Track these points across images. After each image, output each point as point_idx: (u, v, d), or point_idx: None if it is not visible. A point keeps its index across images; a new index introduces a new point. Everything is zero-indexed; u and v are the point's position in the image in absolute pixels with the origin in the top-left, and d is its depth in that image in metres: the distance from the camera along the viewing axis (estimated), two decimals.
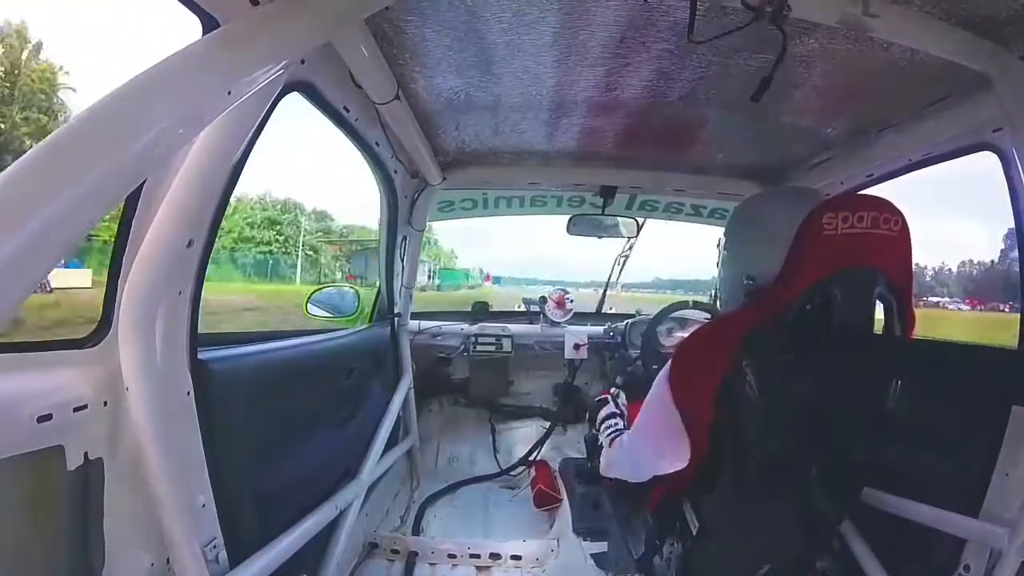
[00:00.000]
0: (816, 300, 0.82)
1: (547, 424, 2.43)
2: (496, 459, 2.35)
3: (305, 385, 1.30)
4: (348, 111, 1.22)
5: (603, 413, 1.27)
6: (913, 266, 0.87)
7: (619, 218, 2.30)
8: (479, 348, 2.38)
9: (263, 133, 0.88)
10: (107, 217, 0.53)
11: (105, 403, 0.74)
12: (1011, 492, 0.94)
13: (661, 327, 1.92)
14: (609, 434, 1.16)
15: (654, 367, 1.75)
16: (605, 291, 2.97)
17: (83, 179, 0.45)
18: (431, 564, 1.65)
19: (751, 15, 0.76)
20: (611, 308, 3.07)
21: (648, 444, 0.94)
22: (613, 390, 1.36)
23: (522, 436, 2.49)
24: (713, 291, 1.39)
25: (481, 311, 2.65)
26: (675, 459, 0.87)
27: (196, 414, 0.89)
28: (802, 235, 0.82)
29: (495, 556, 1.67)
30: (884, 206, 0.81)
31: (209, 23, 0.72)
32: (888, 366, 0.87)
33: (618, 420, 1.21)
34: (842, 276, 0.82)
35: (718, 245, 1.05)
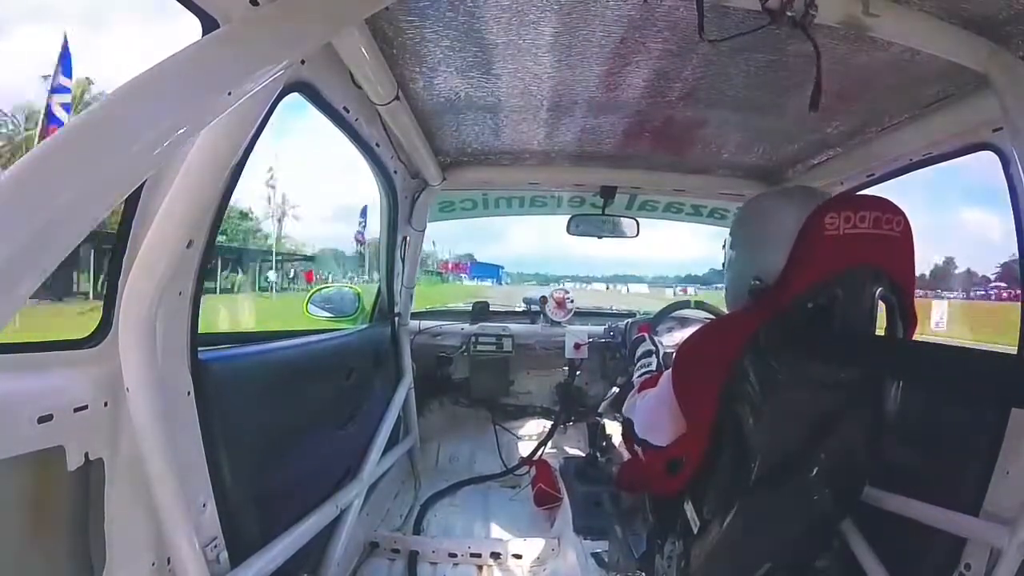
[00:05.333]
0: (818, 300, 0.82)
1: (548, 423, 2.43)
2: (501, 458, 2.36)
3: (305, 385, 1.30)
4: (348, 111, 1.22)
5: (641, 350, 1.33)
6: (915, 266, 0.87)
7: (620, 218, 2.30)
8: (479, 348, 2.38)
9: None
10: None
11: (105, 403, 0.74)
12: (1012, 491, 0.94)
13: (661, 327, 1.92)
14: (641, 374, 1.26)
15: None
16: None
17: (83, 179, 0.45)
18: (432, 563, 1.65)
19: (766, 18, 0.76)
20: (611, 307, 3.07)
21: (648, 415, 1.02)
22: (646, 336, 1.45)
23: (523, 436, 2.49)
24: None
25: (481, 311, 2.65)
26: (660, 438, 0.96)
27: (196, 414, 0.89)
28: (804, 235, 0.82)
29: (496, 555, 1.67)
30: (886, 206, 0.81)
31: (209, 23, 0.73)
32: (889, 367, 0.87)
33: (653, 359, 1.30)
34: (844, 276, 0.82)
35: (724, 245, 1.05)
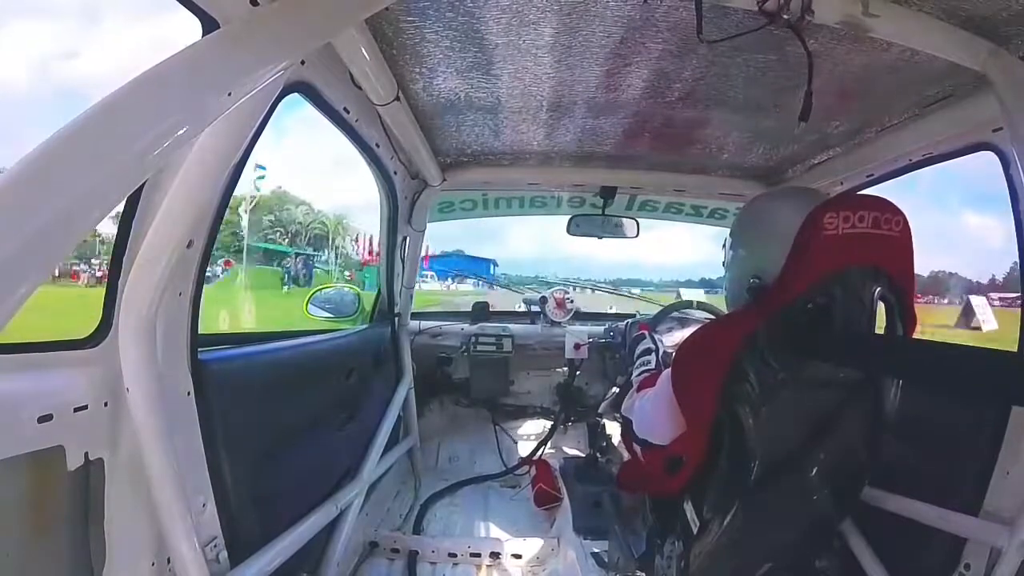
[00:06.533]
0: (817, 300, 0.82)
1: (548, 423, 2.44)
2: (501, 458, 2.36)
3: (306, 385, 1.30)
4: (348, 112, 1.22)
5: (640, 348, 1.34)
6: (915, 266, 0.87)
7: (620, 218, 2.30)
8: (479, 348, 2.38)
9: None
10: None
11: (106, 403, 0.74)
12: (1011, 491, 0.94)
13: (661, 327, 1.92)
14: (640, 372, 1.26)
15: None
16: None
17: (83, 179, 0.45)
18: (432, 563, 1.66)
19: (764, 19, 0.76)
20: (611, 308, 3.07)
21: (647, 415, 1.03)
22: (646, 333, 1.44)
23: (523, 436, 2.49)
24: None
25: (481, 311, 2.65)
26: (660, 437, 0.96)
27: (197, 414, 0.89)
28: (802, 234, 0.82)
29: (495, 555, 1.67)
30: (885, 206, 0.81)
31: (209, 23, 0.73)
32: (888, 367, 0.87)
33: (652, 356, 1.30)
34: (843, 276, 0.82)
35: (724, 245, 1.05)
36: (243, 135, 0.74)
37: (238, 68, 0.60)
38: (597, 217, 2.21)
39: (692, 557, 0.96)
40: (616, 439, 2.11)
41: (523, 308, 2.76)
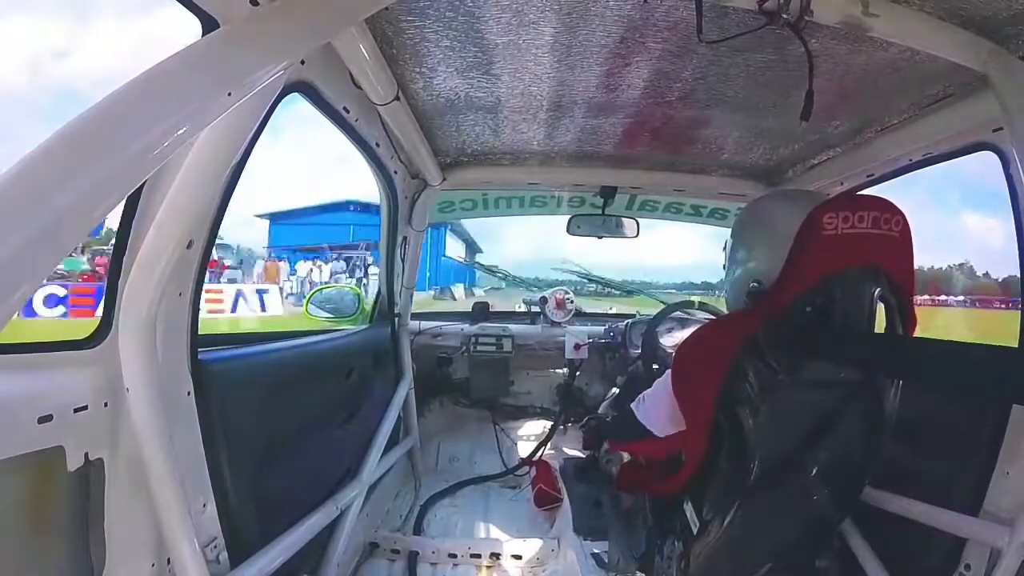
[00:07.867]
0: (817, 300, 0.82)
1: (548, 424, 2.44)
2: (501, 459, 2.36)
3: (306, 385, 1.30)
4: (348, 112, 1.22)
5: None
6: (915, 266, 0.87)
7: (620, 218, 2.29)
8: (479, 348, 2.38)
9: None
10: None
11: (106, 404, 0.74)
12: (1011, 491, 0.94)
13: (661, 327, 1.93)
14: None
15: (654, 367, 1.77)
16: None
17: (83, 179, 0.45)
18: (432, 564, 1.66)
19: (763, 19, 0.76)
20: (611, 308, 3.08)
21: (647, 408, 1.03)
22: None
23: (523, 436, 2.49)
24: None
25: (482, 312, 2.66)
26: (657, 428, 0.97)
27: (197, 415, 0.89)
28: (802, 236, 0.82)
29: (496, 556, 1.67)
30: (885, 206, 0.81)
31: (209, 23, 0.72)
32: (889, 365, 0.87)
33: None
34: (843, 276, 0.82)
35: (724, 247, 1.05)
36: (243, 135, 0.74)
37: (238, 68, 0.60)
38: (597, 217, 2.21)
39: (692, 557, 0.96)
40: None
41: (523, 308, 2.77)
